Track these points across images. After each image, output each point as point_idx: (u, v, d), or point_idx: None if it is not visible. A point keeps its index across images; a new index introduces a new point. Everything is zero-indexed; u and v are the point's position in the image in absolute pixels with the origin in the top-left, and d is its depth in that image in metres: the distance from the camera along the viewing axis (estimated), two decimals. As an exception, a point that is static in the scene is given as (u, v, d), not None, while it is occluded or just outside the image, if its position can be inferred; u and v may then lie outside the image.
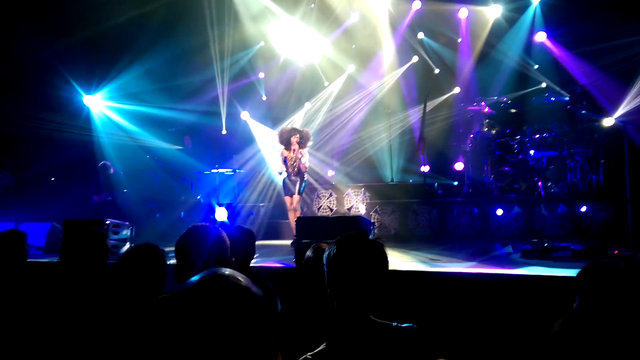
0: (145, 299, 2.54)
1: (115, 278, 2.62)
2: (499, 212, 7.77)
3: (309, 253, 3.29)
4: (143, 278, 2.57)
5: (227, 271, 1.19)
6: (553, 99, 9.18)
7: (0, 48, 9.72)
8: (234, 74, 11.99)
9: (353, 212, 8.93)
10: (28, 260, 3.68)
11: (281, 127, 9.15)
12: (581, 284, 2.05)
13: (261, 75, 12.65)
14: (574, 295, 2.07)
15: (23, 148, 10.71)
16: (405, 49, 11.65)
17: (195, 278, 1.17)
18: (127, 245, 6.62)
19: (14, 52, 9.83)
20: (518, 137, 8.90)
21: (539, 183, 8.33)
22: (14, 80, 10.17)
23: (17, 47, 9.76)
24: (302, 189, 7.68)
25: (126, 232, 6.78)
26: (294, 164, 7.60)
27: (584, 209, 7.21)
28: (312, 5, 11.47)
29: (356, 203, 9.14)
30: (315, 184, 9.81)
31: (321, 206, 9.63)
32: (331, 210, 9.48)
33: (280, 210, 9.82)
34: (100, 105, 11.56)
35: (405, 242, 7.56)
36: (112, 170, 9.46)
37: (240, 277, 1.18)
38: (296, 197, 7.62)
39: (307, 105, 12.24)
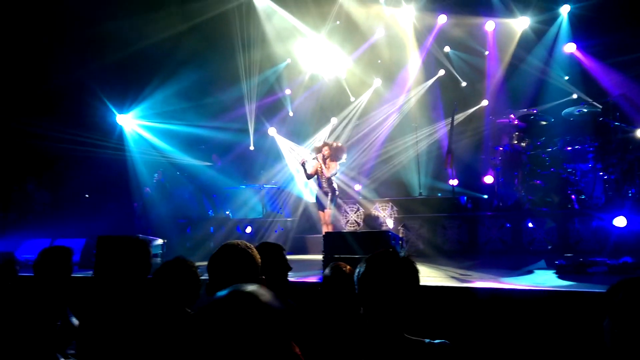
0: (179, 312, 2.59)
1: (149, 292, 2.68)
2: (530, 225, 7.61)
3: (326, 272, 3.29)
4: (175, 292, 2.62)
5: (250, 287, 1.21)
6: (585, 110, 9.00)
7: (38, 69, 10.11)
8: (261, 91, 12.22)
9: (381, 227, 8.89)
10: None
11: (314, 143, 9.30)
12: (612, 301, 1.95)
13: (288, 92, 12.83)
14: (603, 312, 1.97)
15: (59, 166, 11.07)
16: (432, 62, 11.66)
17: (218, 295, 1.20)
18: (159, 261, 6.74)
19: (51, 73, 10.22)
20: (549, 149, 8.73)
21: (572, 196, 8.13)
22: (51, 101, 10.56)
23: (53, 68, 10.15)
24: (334, 202, 7.73)
25: (157, 247, 6.91)
26: (323, 175, 7.68)
27: (620, 222, 6.98)
28: (338, 22, 11.61)
29: (384, 218, 9.10)
30: (343, 199, 9.82)
31: (348, 221, 9.61)
32: (359, 224, 9.46)
33: (307, 224, 9.85)
34: (133, 124, 11.90)
35: (434, 257, 7.47)
36: (155, 180, 9.85)
37: (262, 293, 1.20)
38: (327, 211, 7.68)
39: (334, 120, 12.31)
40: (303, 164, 8.00)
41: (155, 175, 10.28)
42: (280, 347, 1.15)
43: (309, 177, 7.99)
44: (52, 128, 10.19)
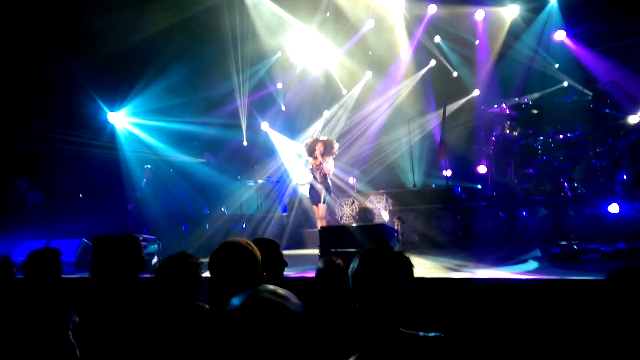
0: (182, 306, 2.60)
1: (153, 287, 2.69)
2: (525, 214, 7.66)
3: (320, 265, 3.31)
4: (179, 286, 2.63)
5: (267, 292, 1.20)
6: (575, 98, 9.05)
7: (26, 67, 10.01)
8: (252, 85, 12.16)
9: (376, 220, 8.91)
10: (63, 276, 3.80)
11: (306, 138, 9.32)
12: (608, 290, 1.93)
13: (279, 85, 12.79)
14: (600, 302, 1.97)
15: (50, 166, 10.98)
16: (422, 53, 11.64)
17: (236, 300, 1.19)
18: (155, 259, 6.73)
19: (39, 71, 10.11)
20: (541, 138, 8.79)
21: (565, 184, 8.19)
22: (40, 99, 10.45)
23: (42, 66, 10.04)
24: (327, 197, 7.76)
25: (154, 246, 6.89)
26: (321, 171, 7.70)
27: (613, 209, 7.03)
28: (328, 14, 11.56)
29: (378, 210, 9.12)
30: (337, 193, 9.83)
31: (344, 214, 9.63)
32: (354, 218, 9.48)
33: (303, 219, 9.87)
34: (124, 122, 11.82)
35: (429, 248, 7.50)
36: (144, 180, 9.84)
37: (279, 297, 1.19)
38: (321, 205, 7.69)
39: (326, 113, 12.29)
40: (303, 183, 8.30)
41: (146, 169, 10.26)
42: (306, 352, 1.15)
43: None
44: (42, 127, 10.09)
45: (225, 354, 1.11)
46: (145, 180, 10.17)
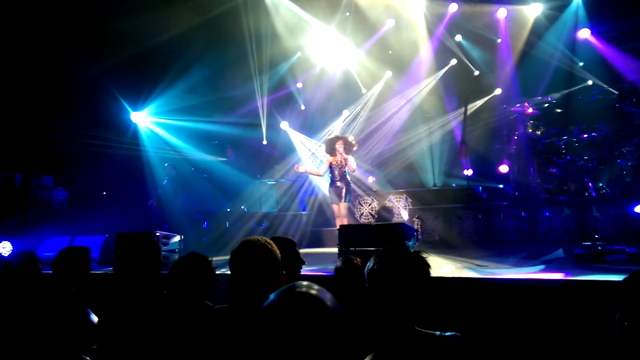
0: (199, 305, 2.63)
1: (165, 287, 2.73)
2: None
3: (338, 264, 3.32)
4: (192, 286, 2.67)
5: (304, 287, 1.22)
6: (600, 96, 8.87)
7: (52, 68, 10.24)
8: (272, 85, 12.24)
9: (396, 219, 8.88)
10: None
11: (325, 137, 9.37)
12: (623, 292, 1.89)
13: (299, 85, 12.83)
14: (615, 304, 1.92)
15: (76, 165, 11.23)
16: (443, 52, 11.55)
17: (274, 296, 1.21)
18: (177, 256, 6.82)
19: (64, 72, 10.34)
20: (565, 137, 8.64)
21: (590, 184, 8.03)
22: (65, 99, 10.70)
23: (66, 67, 10.27)
24: (348, 196, 7.76)
25: (175, 243, 6.99)
26: (341, 169, 7.69)
27: (639, 209, 6.88)
28: (348, 14, 11.56)
29: (398, 209, 9.09)
30: (357, 191, 9.82)
31: (363, 213, 9.62)
32: (373, 217, 9.46)
33: (322, 218, 9.88)
34: (147, 121, 12.01)
35: (449, 248, 7.45)
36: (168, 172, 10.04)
37: (316, 292, 1.21)
38: (343, 204, 7.69)
39: (346, 112, 12.29)
40: (305, 172, 8.49)
41: (167, 166, 10.42)
42: (338, 353, 1.16)
43: (322, 173, 8.10)
44: (67, 127, 10.33)
45: (265, 349, 1.13)
46: (167, 178, 10.32)
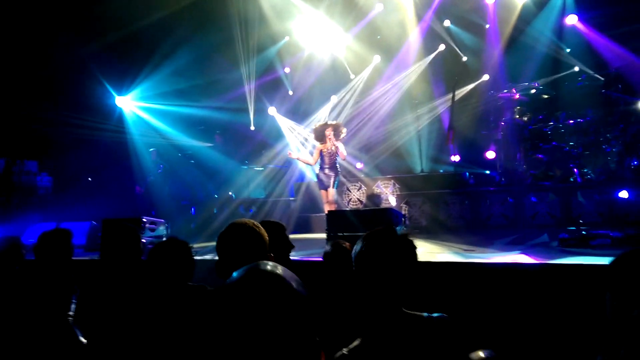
0: (180, 286, 2.62)
1: (145, 271, 2.72)
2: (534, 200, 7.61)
3: (327, 248, 3.32)
4: (170, 270, 2.66)
5: (269, 265, 1.21)
6: (586, 83, 8.92)
7: (35, 51, 10.02)
8: (260, 70, 12.10)
9: (384, 204, 8.91)
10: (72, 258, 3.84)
11: (313, 123, 9.32)
12: (613, 274, 1.87)
13: (287, 70, 12.71)
14: (605, 286, 1.94)
15: (60, 149, 11.07)
16: (432, 37, 11.49)
17: (237, 273, 1.20)
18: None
19: (48, 55, 10.13)
20: (551, 123, 8.70)
21: (575, 170, 8.12)
22: (49, 83, 10.49)
23: (50, 50, 10.06)
24: (336, 182, 7.74)
25: (162, 229, 6.94)
26: (331, 156, 7.67)
27: (623, 194, 6.98)
28: (336, -3, 11.43)
29: (386, 195, 9.12)
30: (345, 177, 9.83)
31: (351, 199, 9.64)
32: (361, 202, 9.49)
33: (310, 204, 9.89)
34: (132, 106, 11.84)
35: (437, 233, 7.50)
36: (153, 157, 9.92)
37: (281, 271, 1.20)
38: (331, 190, 7.67)
39: (334, 98, 12.23)
40: (297, 159, 8.51)
41: (152, 152, 10.30)
42: (304, 329, 1.14)
43: (314, 163, 8.03)
44: (51, 111, 10.15)
45: (226, 327, 1.11)
46: (161, 166, 10.16)
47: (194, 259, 2.74)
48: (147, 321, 2.41)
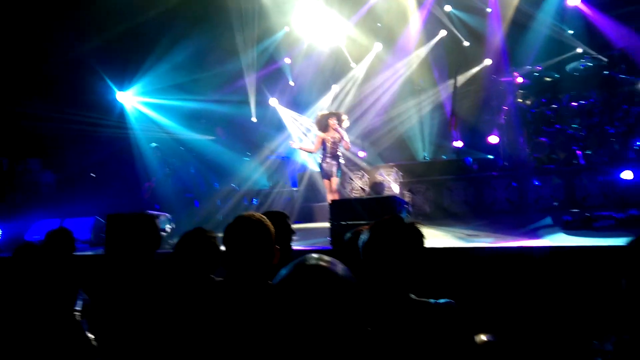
0: (204, 280, 2.63)
1: (172, 263, 2.72)
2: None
3: (348, 234, 3.32)
4: (197, 261, 2.66)
5: (313, 259, 1.19)
6: (590, 64, 8.82)
7: (35, 48, 10.00)
8: (260, 61, 12.04)
9: (386, 192, 8.90)
10: (76, 253, 3.87)
11: (316, 113, 9.27)
12: (629, 259, 1.83)
13: (287, 60, 12.65)
14: (620, 271, 1.91)
15: (62, 146, 11.09)
16: (433, 23, 11.38)
17: (287, 269, 1.19)
18: (169, 235, 6.80)
19: (48, 52, 10.11)
20: (554, 106, 8.63)
21: (578, 152, 8.06)
22: (50, 80, 10.48)
23: (50, 46, 10.04)
24: (339, 171, 7.74)
25: (168, 223, 6.97)
26: (334, 145, 7.65)
27: (627, 175, 6.92)
28: (336, -15, 11.32)
29: (389, 183, 9.10)
30: (347, 166, 9.81)
31: (354, 187, 9.63)
32: (364, 191, 9.47)
33: (313, 193, 9.89)
34: (133, 101, 11.84)
35: (440, 220, 7.49)
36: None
37: (330, 261, 1.19)
38: (334, 179, 7.68)
39: (335, 87, 12.18)
40: (300, 148, 8.45)
41: (153, 148, 10.29)
42: (355, 324, 1.14)
43: (316, 150, 8.02)
44: (52, 108, 10.15)
45: (280, 325, 1.11)
46: (167, 170, 10.16)
47: (220, 250, 2.74)
48: (170, 316, 2.40)
